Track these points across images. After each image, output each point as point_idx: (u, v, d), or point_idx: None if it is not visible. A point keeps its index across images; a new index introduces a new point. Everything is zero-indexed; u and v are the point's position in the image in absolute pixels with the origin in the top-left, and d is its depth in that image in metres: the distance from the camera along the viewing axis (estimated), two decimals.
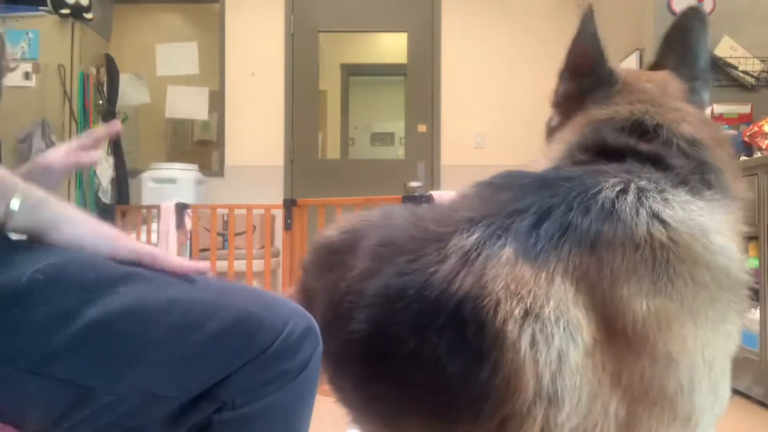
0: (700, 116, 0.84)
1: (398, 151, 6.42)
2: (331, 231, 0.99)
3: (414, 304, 0.69)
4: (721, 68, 3.29)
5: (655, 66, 0.95)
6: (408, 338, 0.69)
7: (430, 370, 0.68)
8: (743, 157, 2.86)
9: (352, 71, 6.74)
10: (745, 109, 3.22)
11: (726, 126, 3.16)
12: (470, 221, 0.69)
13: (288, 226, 3.02)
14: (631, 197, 0.68)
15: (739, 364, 2.23)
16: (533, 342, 0.63)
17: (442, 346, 0.66)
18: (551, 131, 0.95)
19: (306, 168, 4.82)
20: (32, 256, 0.69)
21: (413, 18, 4.93)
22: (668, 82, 0.89)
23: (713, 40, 3.30)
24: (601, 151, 0.79)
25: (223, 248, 3.87)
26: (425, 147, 4.89)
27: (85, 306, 0.66)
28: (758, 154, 2.81)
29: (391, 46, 5.76)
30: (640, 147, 0.76)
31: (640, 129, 0.79)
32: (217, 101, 4.91)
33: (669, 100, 0.84)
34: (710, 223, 0.69)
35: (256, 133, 4.85)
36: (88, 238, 0.73)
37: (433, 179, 4.84)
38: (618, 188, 0.68)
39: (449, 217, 0.73)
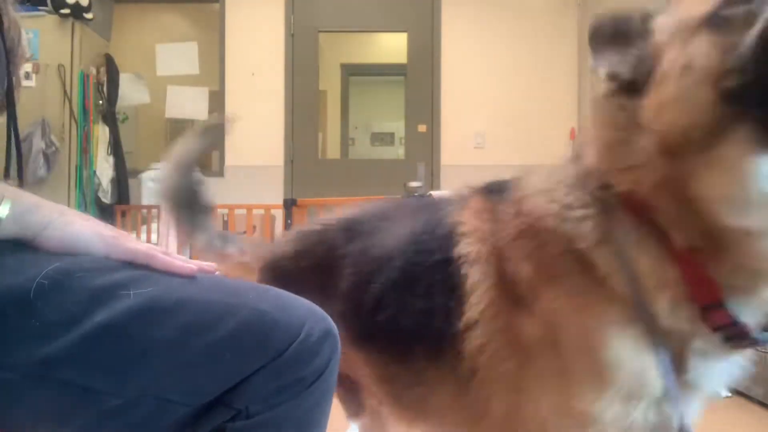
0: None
1: (398, 151, 6.42)
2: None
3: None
4: None
5: None
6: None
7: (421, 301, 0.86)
8: None
9: (352, 71, 6.74)
10: None
11: None
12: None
13: (288, 226, 3.02)
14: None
15: None
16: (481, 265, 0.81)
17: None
18: None
19: (306, 168, 4.82)
20: (37, 261, 0.67)
21: (413, 18, 4.93)
22: None
23: None
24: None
25: None
26: (425, 147, 4.89)
27: (92, 310, 0.64)
28: None
29: (391, 46, 5.76)
30: None
31: None
32: (217, 101, 4.91)
33: None
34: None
35: (256, 133, 4.85)
36: (80, 241, 0.70)
37: (433, 179, 4.84)
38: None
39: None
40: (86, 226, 0.72)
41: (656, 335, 0.69)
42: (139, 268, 0.71)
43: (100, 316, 0.64)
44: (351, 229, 1.02)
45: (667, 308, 0.70)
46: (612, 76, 0.74)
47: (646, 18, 0.72)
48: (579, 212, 0.74)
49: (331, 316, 0.74)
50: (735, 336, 0.69)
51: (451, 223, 0.85)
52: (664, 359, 0.69)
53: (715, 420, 2.33)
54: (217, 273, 0.77)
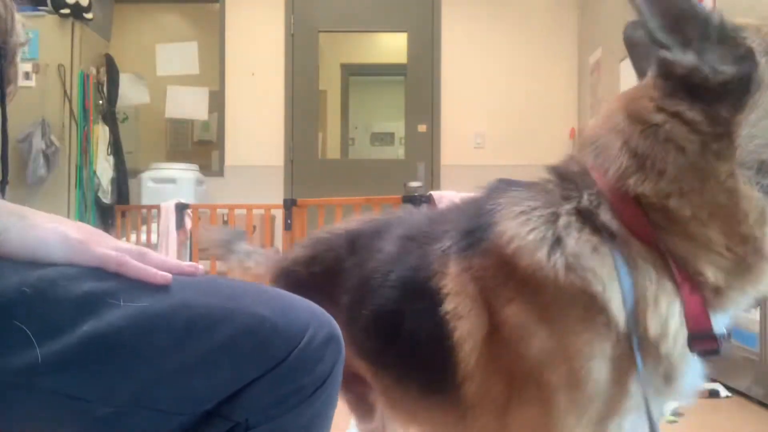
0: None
1: (398, 151, 6.42)
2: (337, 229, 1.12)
3: (384, 293, 0.90)
4: None
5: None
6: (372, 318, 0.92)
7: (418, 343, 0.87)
8: None
9: (352, 71, 6.74)
10: None
11: None
12: (448, 231, 0.88)
13: (288, 226, 3.02)
14: (491, 206, 0.85)
15: (739, 364, 2.24)
16: (462, 323, 0.81)
17: (417, 329, 0.86)
18: None
19: (306, 168, 4.82)
20: (21, 268, 0.64)
21: (413, 18, 4.93)
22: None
23: None
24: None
25: None
26: (425, 147, 4.89)
27: (79, 319, 0.61)
28: None
29: (391, 46, 5.76)
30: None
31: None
32: (217, 101, 4.91)
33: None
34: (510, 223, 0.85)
35: (256, 133, 4.85)
36: (42, 246, 0.65)
37: (433, 179, 4.84)
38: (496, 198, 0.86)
39: (445, 221, 0.90)
40: (50, 230, 0.66)
41: (645, 361, 0.71)
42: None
43: (88, 325, 0.61)
44: (353, 241, 1.04)
45: (661, 335, 0.72)
46: (693, 72, 0.67)
47: (723, 18, 0.69)
48: (575, 246, 0.73)
49: (337, 322, 0.71)
50: (713, 352, 0.71)
51: (436, 281, 0.84)
52: (646, 386, 0.71)
53: (715, 420, 2.33)
54: (201, 274, 0.72)
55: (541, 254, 0.73)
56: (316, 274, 1.05)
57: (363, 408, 1.13)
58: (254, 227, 3.77)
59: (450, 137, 4.88)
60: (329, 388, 0.68)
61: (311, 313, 0.69)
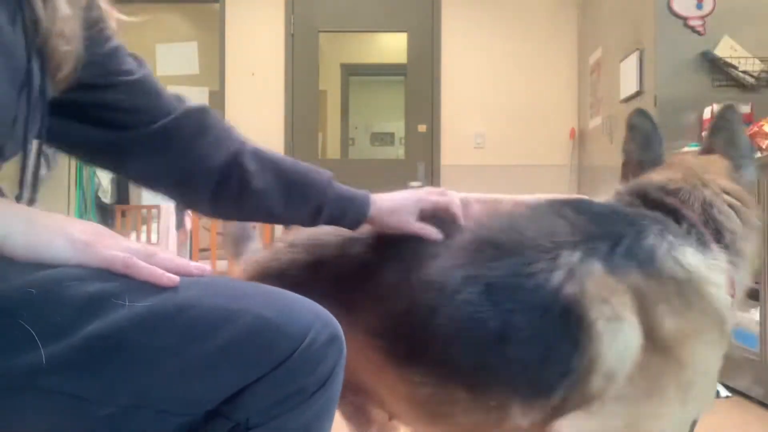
0: (735, 190, 1.07)
1: (398, 151, 6.43)
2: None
3: (527, 299, 0.90)
4: (721, 68, 3.29)
5: (706, 150, 1.18)
6: (516, 326, 0.89)
7: (527, 350, 0.89)
8: None
9: (352, 71, 6.74)
10: (745, 109, 3.22)
11: None
12: (572, 243, 0.93)
13: (288, 226, 3.02)
14: (664, 245, 0.95)
15: (739, 364, 2.27)
16: (613, 336, 0.87)
17: (548, 333, 0.89)
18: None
19: None
20: (27, 269, 0.64)
21: (413, 18, 4.93)
22: (714, 161, 1.12)
23: (713, 40, 3.30)
24: (641, 197, 1.04)
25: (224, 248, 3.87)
26: (425, 147, 4.89)
27: (84, 320, 0.61)
28: (758, 154, 2.81)
29: (391, 46, 5.77)
30: (666, 200, 1.02)
31: (669, 190, 1.05)
32: (217, 101, 4.91)
33: (709, 175, 1.07)
34: (707, 272, 0.95)
35: (256, 133, 4.82)
36: (47, 249, 0.65)
37: (433, 179, 4.84)
38: (655, 236, 0.95)
39: (552, 233, 0.95)
40: (56, 231, 0.66)
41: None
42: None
43: (93, 326, 0.61)
44: (379, 248, 1.03)
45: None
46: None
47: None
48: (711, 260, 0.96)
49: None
50: None
51: (575, 289, 0.90)
52: None
53: (715, 420, 2.33)
54: (208, 273, 0.72)
55: (713, 279, 0.94)
56: (324, 279, 1.02)
57: (360, 419, 1.12)
58: (254, 227, 3.77)
59: (450, 137, 4.88)
60: (331, 388, 0.69)
61: (314, 314, 0.69)
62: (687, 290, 0.92)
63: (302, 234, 1.12)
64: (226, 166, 0.98)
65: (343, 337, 0.70)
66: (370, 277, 0.99)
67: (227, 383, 0.65)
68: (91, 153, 0.93)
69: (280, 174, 1.02)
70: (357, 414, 1.12)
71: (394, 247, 1.01)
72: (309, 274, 1.04)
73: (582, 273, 0.89)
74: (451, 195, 1.10)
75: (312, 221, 1.04)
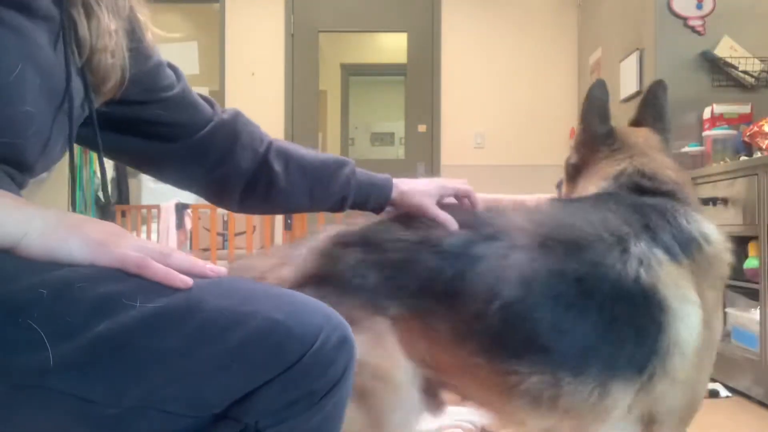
0: (673, 164, 1.23)
1: (398, 151, 6.43)
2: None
3: (614, 289, 0.99)
4: (721, 68, 3.29)
5: (636, 123, 1.33)
6: (613, 312, 1.00)
7: (624, 333, 0.99)
8: (743, 157, 2.86)
9: (352, 71, 6.75)
10: (745, 109, 3.22)
11: (726, 126, 3.16)
12: (630, 234, 1.04)
13: (288, 226, 3.02)
14: (685, 221, 1.08)
15: (739, 364, 2.29)
16: (686, 315, 1.01)
17: (637, 317, 1.00)
18: (571, 168, 1.33)
19: None
20: (40, 269, 0.64)
21: (413, 18, 4.93)
22: (649, 136, 1.27)
23: (713, 40, 3.30)
24: (635, 189, 1.15)
25: (223, 248, 3.87)
26: (425, 147, 4.89)
27: (94, 321, 0.61)
28: (758, 154, 2.81)
29: (391, 46, 5.76)
30: (662, 188, 1.15)
31: (645, 176, 1.18)
32: (217, 101, 4.89)
33: (653, 152, 1.23)
34: (723, 239, 1.11)
35: None
36: (63, 249, 0.65)
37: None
38: (684, 218, 1.09)
39: (606, 226, 1.05)
40: (71, 231, 0.67)
41: None
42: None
43: (102, 326, 0.61)
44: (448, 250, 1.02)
45: None
46: None
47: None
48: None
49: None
50: None
51: (648, 275, 1.02)
52: None
53: (715, 420, 2.34)
54: (223, 274, 0.72)
55: (728, 244, 1.10)
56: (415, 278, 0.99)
57: (430, 404, 1.13)
58: (254, 227, 3.77)
59: (450, 137, 4.88)
60: (341, 391, 0.68)
61: (325, 316, 0.68)
62: (717, 262, 1.07)
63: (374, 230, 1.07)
64: (255, 168, 1.05)
65: (354, 340, 0.70)
66: (460, 278, 1.00)
67: (236, 385, 0.64)
68: (130, 161, 1.01)
69: (305, 172, 1.08)
70: (427, 399, 1.12)
71: (458, 245, 1.03)
72: (396, 274, 1.00)
73: (653, 261, 1.01)
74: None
75: (338, 209, 1.11)
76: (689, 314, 1.01)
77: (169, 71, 0.98)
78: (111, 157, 0.95)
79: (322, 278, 0.98)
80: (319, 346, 0.65)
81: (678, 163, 1.25)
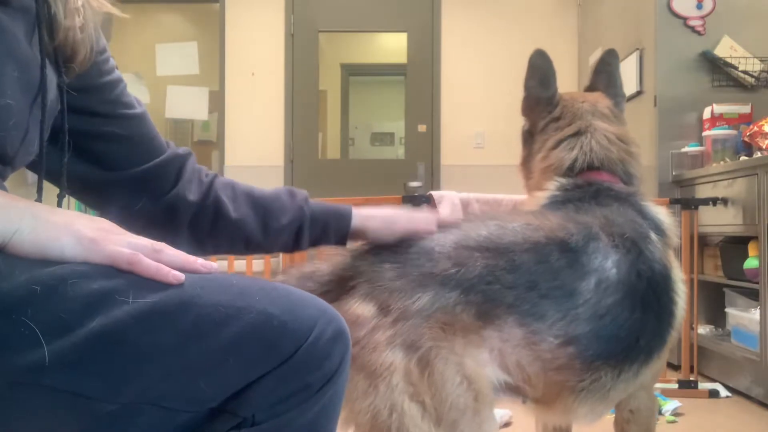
0: (615, 130, 1.29)
1: (398, 151, 6.43)
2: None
3: (653, 278, 1.07)
4: (721, 68, 3.29)
5: (590, 88, 1.44)
6: (651, 301, 1.07)
7: (654, 318, 1.06)
8: (743, 157, 2.86)
9: (352, 71, 6.74)
10: (745, 109, 3.22)
11: (726, 126, 3.17)
12: (633, 230, 1.12)
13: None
14: (655, 214, 1.18)
15: (739, 364, 2.30)
16: (683, 293, 1.13)
17: (663, 301, 1.08)
18: (526, 134, 1.46)
19: (306, 168, 4.82)
20: (32, 266, 0.64)
21: (413, 18, 4.93)
22: (600, 100, 1.35)
23: (713, 40, 3.30)
24: (583, 186, 1.21)
25: None
26: (425, 147, 4.89)
27: (87, 317, 0.61)
28: (758, 154, 2.81)
29: (391, 46, 5.76)
30: (614, 187, 1.21)
31: (593, 164, 1.26)
32: (217, 101, 4.91)
33: (595, 119, 1.30)
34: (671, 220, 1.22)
35: (256, 133, 4.86)
36: (54, 246, 0.65)
37: (433, 179, 4.84)
38: (648, 209, 1.18)
39: (607, 224, 1.10)
40: (62, 228, 0.66)
41: None
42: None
43: (96, 322, 0.61)
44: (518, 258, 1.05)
45: None
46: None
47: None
48: None
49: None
50: None
51: (668, 263, 1.12)
52: None
53: (715, 420, 2.34)
54: (215, 270, 0.72)
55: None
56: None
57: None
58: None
59: (450, 137, 4.88)
60: (336, 385, 0.69)
61: (319, 310, 0.69)
62: (674, 238, 1.19)
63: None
64: (201, 197, 1.01)
65: (349, 333, 0.70)
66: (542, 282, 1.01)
67: (232, 380, 0.65)
68: (76, 187, 0.95)
69: (255, 201, 1.04)
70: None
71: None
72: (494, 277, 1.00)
73: (659, 248, 1.09)
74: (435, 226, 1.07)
75: (296, 244, 1.05)
76: (683, 291, 1.12)
77: (132, 96, 0.95)
78: (53, 182, 0.91)
79: (446, 279, 0.95)
80: (314, 339, 0.66)
81: (620, 125, 1.32)
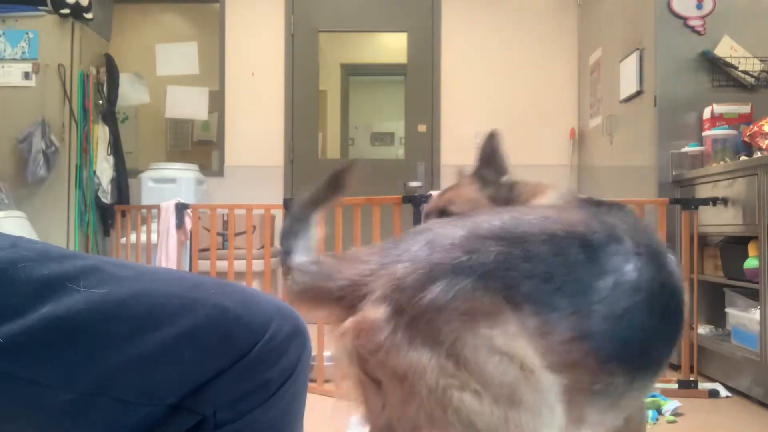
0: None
1: (398, 151, 6.43)
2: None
3: (669, 284, 1.06)
4: (721, 68, 3.29)
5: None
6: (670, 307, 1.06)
7: (668, 325, 1.06)
8: (743, 157, 2.86)
9: (352, 71, 6.74)
10: (745, 109, 3.22)
11: (726, 126, 3.17)
12: (642, 237, 1.11)
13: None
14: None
15: (739, 364, 2.29)
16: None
17: (673, 306, 1.06)
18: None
19: (306, 168, 4.82)
20: None
21: (413, 18, 4.93)
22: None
23: (713, 40, 3.30)
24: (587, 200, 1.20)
25: (223, 248, 3.87)
26: (425, 147, 4.89)
27: (38, 302, 0.60)
28: (758, 154, 2.81)
29: (391, 46, 5.76)
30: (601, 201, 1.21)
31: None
32: (217, 101, 4.91)
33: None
34: None
35: (256, 133, 4.86)
36: None
37: (433, 179, 4.84)
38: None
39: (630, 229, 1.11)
40: None
41: None
42: (89, 257, 0.67)
43: (47, 308, 0.60)
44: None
45: None
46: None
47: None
48: None
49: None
50: None
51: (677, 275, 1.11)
52: None
53: (715, 420, 2.34)
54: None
55: None
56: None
57: None
58: (254, 227, 3.77)
59: (450, 137, 4.88)
60: (296, 383, 0.68)
61: (275, 307, 0.69)
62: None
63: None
64: None
65: (307, 331, 0.70)
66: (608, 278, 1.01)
67: (187, 373, 0.64)
68: None
69: None
70: None
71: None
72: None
73: (678, 269, 1.10)
74: None
75: None
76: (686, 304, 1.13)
77: None
78: None
79: (458, 267, 0.91)
80: (271, 335, 0.66)
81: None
